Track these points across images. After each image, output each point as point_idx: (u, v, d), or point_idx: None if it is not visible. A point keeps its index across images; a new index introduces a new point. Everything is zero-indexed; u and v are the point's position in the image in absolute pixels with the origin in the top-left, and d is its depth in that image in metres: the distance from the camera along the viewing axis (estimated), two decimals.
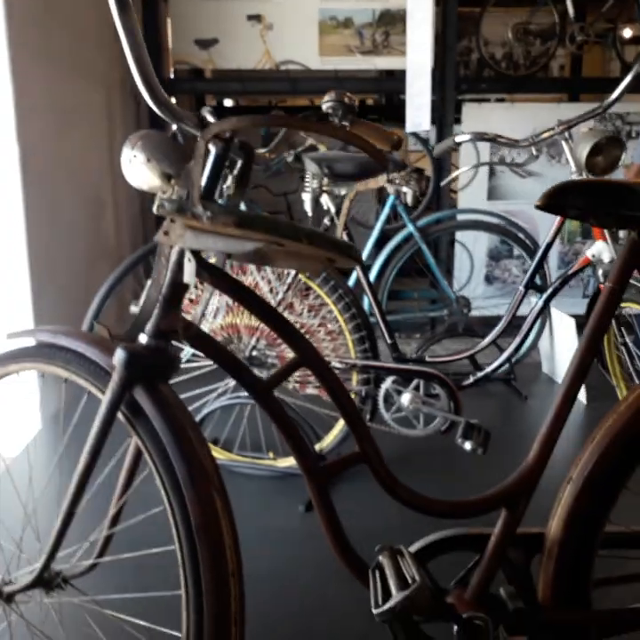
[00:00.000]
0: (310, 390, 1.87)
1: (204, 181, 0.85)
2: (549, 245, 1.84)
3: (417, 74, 2.67)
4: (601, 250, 1.81)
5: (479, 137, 1.78)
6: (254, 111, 5.54)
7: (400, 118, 3.44)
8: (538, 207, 0.93)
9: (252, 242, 0.78)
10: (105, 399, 0.91)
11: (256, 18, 3.58)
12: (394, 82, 4.59)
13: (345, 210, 1.72)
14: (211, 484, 0.89)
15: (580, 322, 2.32)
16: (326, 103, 1.42)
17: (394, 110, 4.42)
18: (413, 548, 1.03)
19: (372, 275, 2.55)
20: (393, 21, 3.62)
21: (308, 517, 1.76)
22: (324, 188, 1.80)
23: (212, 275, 0.92)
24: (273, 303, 1.85)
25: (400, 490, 0.98)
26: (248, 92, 3.87)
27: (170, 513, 0.89)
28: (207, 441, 0.93)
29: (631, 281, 1.56)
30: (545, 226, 2.55)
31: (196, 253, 0.89)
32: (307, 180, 1.80)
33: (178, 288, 0.91)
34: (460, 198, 3.75)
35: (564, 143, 1.78)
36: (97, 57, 2.93)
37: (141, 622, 0.98)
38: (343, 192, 1.81)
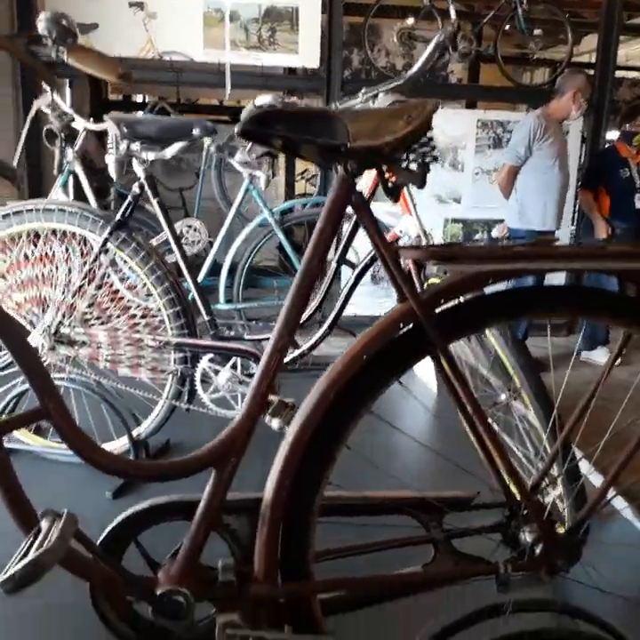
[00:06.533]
0: (124, 370, 1.75)
1: None
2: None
3: None
4: (408, 224, 1.79)
5: (281, 101, 1.73)
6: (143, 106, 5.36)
7: None
8: (239, 134, 0.86)
9: None
10: None
11: (138, 5, 3.47)
12: (291, 80, 4.55)
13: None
14: None
15: None
16: (41, 23, 1.34)
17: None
18: (121, 517, 0.93)
19: (227, 262, 2.46)
20: (279, 18, 3.59)
21: (117, 503, 1.65)
22: (132, 153, 1.69)
23: None
24: (79, 279, 1.72)
25: (97, 454, 0.87)
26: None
27: None
28: None
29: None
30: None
31: None
32: (109, 142, 1.70)
33: None
34: None
35: None
36: None
37: None
38: (151, 157, 1.71)
